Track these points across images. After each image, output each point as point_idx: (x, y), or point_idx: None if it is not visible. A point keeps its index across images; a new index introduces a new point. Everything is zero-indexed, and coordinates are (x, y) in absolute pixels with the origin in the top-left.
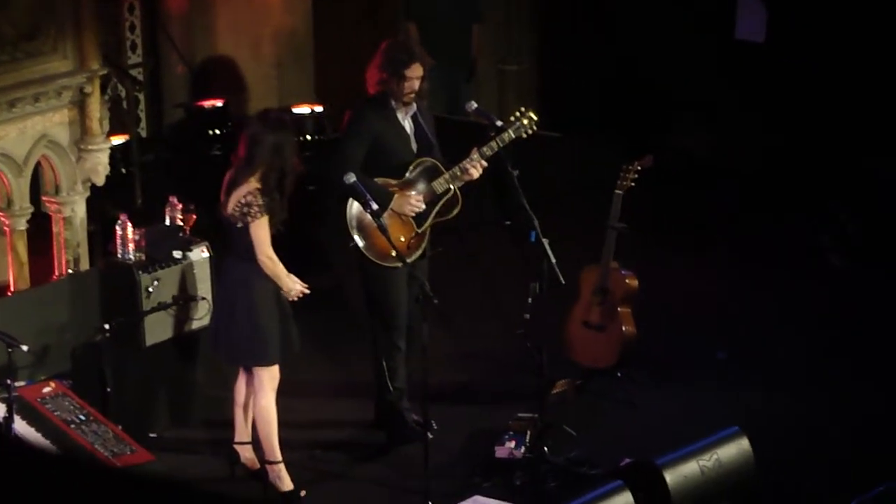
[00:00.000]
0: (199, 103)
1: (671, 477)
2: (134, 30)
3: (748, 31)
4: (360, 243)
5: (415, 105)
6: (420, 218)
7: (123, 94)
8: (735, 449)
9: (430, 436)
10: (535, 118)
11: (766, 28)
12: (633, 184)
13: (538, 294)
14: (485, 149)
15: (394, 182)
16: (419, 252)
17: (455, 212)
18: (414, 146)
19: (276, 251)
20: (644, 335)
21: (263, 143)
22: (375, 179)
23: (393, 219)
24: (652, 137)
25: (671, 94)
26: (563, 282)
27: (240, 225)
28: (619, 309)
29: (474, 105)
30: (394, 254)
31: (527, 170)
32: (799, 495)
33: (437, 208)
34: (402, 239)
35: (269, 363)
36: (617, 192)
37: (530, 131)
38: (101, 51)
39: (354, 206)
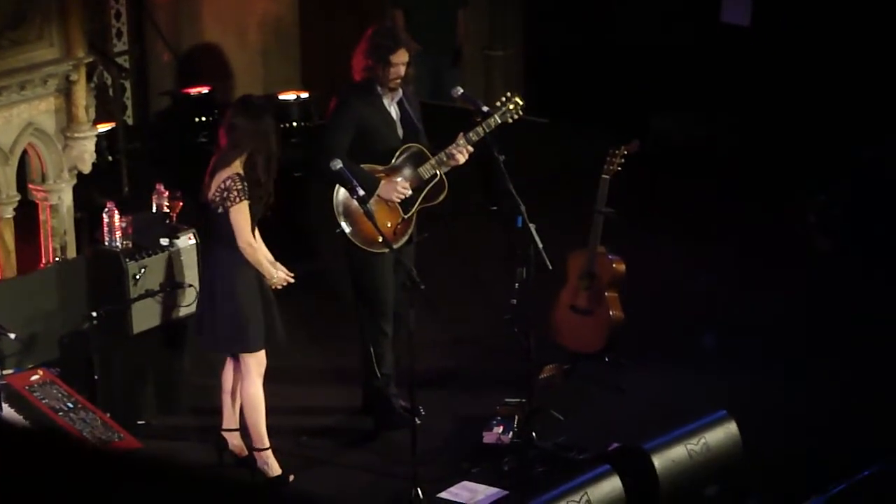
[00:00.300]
0: (186, 91)
1: (659, 461)
2: (120, 17)
3: (734, 14)
4: (347, 229)
5: (401, 91)
6: (406, 204)
7: (109, 81)
8: (723, 433)
9: (417, 421)
10: (521, 103)
11: (752, 12)
12: (619, 168)
13: (525, 279)
14: (471, 134)
15: (380, 168)
16: (406, 238)
17: (441, 197)
18: (400, 132)
19: (264, 238)
20: (631, 320)
21: (244, 129)
22: (362, 166)
23: (379, 205)
24: (638, 122)
25: (657, 78)
26: (550, 267)
27: (220, 210)
28: (606, 294)
29: (460, 90)
30: (380, 240)
31: (513, 155)
32: (787, 478)
33: (423, 194)
34: (389, 225)
35: (252, 349)
36: (604, 176)
37: (516, 116)
38: (86, 38)
39: (341, 193)
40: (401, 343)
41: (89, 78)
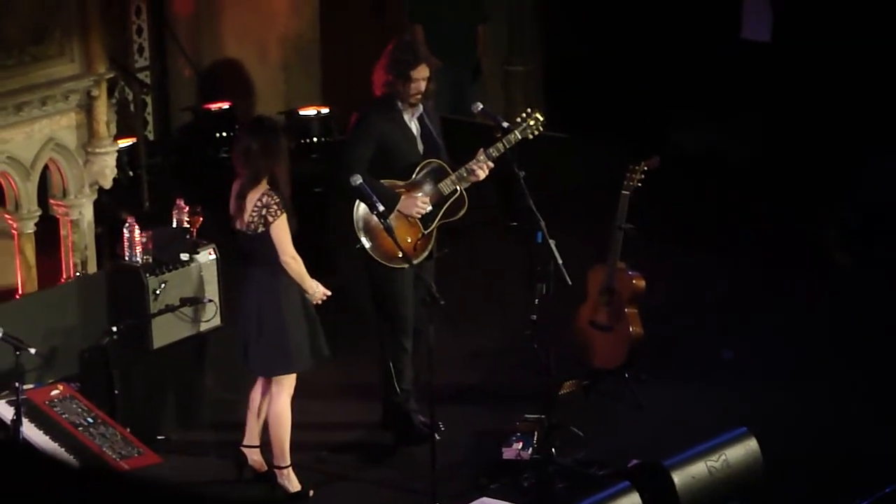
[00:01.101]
0: (206, 106)
1: (679, 478)
2: (141, 33)
3: (754, 30)
4: (367, 244)
5: (421, 106)
6: (426, 219)
7: (131, 97)
8: (743, 449)
9: (437, 437)
10: (541, 119)
11: (772, 27)
12: (639, 184)
13: (545, 295)
14: (491, 150)
15: (400, 183)
16: (426, 253)
17: (461, 213)
18: (420, 147)
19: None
20: (651, 335)
21: (263, 153)
22: (382, 181)
23: (399, 220)
24: (658, 138)
25: (677, 94)
26: (570, 283)
27: (260, 229)
28: (626, 309)
29: (480, 106)
30: (400, 255)
31: (533, 171)
32: (807, 495)
33: (443, 209)
34: (409, 240)
35: (301, 369)
36: (623, 192)
37: (537, 132)
38: (108, 54)
39: (361, 208)
40: (420, 358)
41: (110, 93)
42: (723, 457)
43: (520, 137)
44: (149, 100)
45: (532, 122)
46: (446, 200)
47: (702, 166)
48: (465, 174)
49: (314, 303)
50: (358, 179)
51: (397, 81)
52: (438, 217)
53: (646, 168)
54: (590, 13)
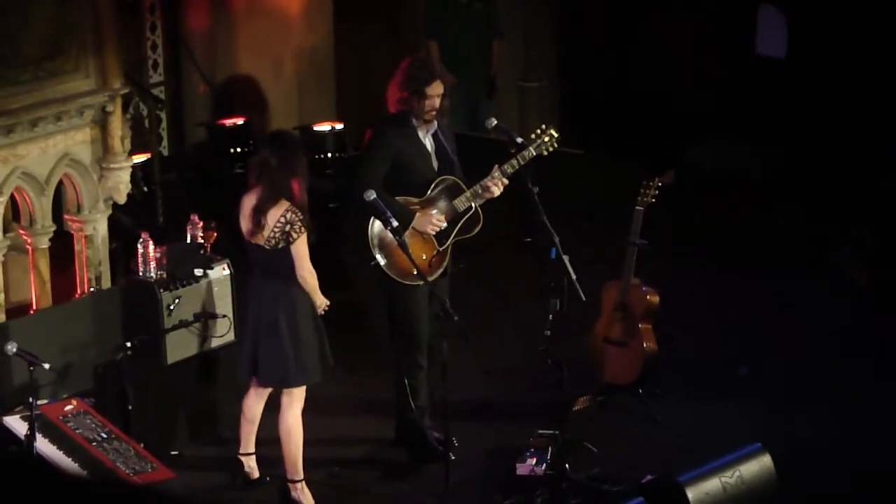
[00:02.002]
0: (221, 122)
1: (693, 494)
2: (156, 49)
3: (769, 46)
4: (382, 261)
5: (435, 123)
6: (441, 236)
7: (145, 112)
8: (757, 466)
9: (452, 456)
10: (556, 135)
11: (787, 44)
12: (653, 200)
13: (558, 311)
14: (506, 166)
15: (415, 200)
16: (441, 270)
17: (476, 230)
18: (435, 164)
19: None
20: (665, 351)
21: (282, 168)
22: (397, 198)
23: (414, 237)
24: (672, 153)
25: (692, 109)
26: (584, 298)
27: (282, 245)
28: (640, 325)
29: (494, 122)
30: (415, 272)
31: (547, 186)
32: None
33: (458, 226)
34: (424, 257)
35: (314, 380)
36: (637, 208)
37: (551, 149)
38: (122, 70)
39: (376, 225)
40: (435, 374)
41: (125, 109)
42: (737, 473)
43: (534, 154)
44: (163, 115)
45: (547, 139)
46: (461, 217)
47: (716, 182)
48: (479, 191)
49: (319, 313)
50: (372, 195)
51: (412, 98)
52: (453, 234)
53: (660, 184)
54: (605, 30)
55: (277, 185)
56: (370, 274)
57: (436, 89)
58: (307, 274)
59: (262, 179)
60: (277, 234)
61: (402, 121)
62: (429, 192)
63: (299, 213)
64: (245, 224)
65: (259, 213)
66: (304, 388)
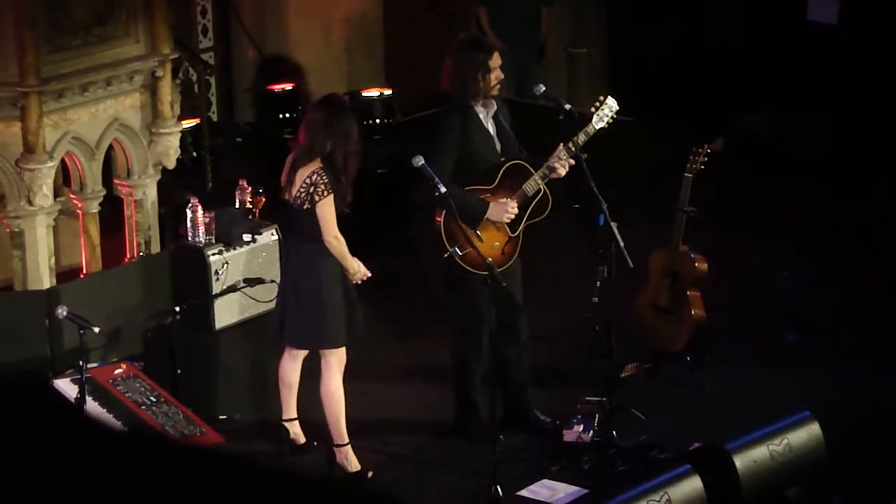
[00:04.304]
0: (270, 87)
1: (741, 461)
2: (205, 14)
3: (820, 12)
4: (459, 253)
5: (495, 104)
6: (513, 222)
7: (195, 78)
8: (805, 434)
9: (501, 438)
10: (615, 107)
11: (839, 10)
12: (702, 167)
13: (607, 278)
14: (570, 144)
15: (484, 188)
16: (515, 257)
17: (547, 212)
18: (498, 146)
19: (343, 233)
20: (714, 318)
21: (324, 126)
22: (466, 188)
23: (486, 225)
24: (722, 120)
25: (742, 76)
26: (632, 265)
27: (306, 206)
28: (688, 292)
29: (542, 88)
30: (490, 260)
31: (596, 153)
32: (870, 480)
33: (529, 211)
34: (497, 244)
35: (336, 345)
36: (686, 175)
37: (611, 120)
38: (172, 35)
39: (445, 218)
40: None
41: (174, 74)
42: (785, 441)
43: (597, 128)
44: (213, 81)
45: (606, 110)
46: (531, 201)
47: (767, 150)
48: (547, 172)
49: (354, 282)
50: (420, 161)
51: (477, 77)
52: (525, 219)
53: (709, 151)
54: None
55: (312, 144)
56: (423, 237)
57: (496, 61)
58: (332, 238)
59: (308, 137)
60: (303, 194)
61: (465, 108)
62: (497, 179)
63: (325, 176)
64: (283, 178)
65: (292, 168)
66: (339, 352)
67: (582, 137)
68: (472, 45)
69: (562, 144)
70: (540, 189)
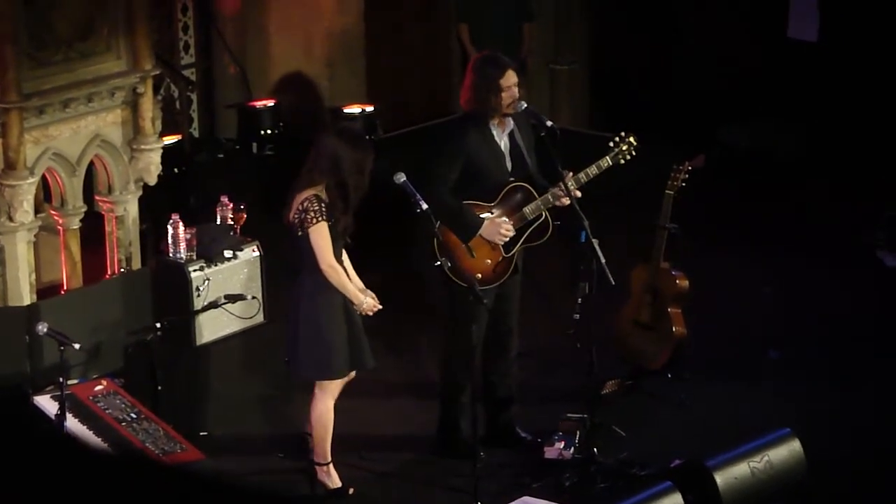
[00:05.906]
0: (252, 103)
1: (721, 478)
2: (187, 30)
3: (801, 30)
4: (448, 265)
5: (512, 122)
6: (509, 242)
7: (176, 94)
8: (786, 450)
9: (482, 454)
10: (634, 143)
11: (819, 27)
12: (683, 184)
13: (588, 294)
14: (581, 175)
15: (485, 205)
16: (506, 276)
17: (545, 238)
18: (509, 165)
19: (354, 264)
20: (695, 335)
21: (330, 157)
22: (466, 202)
23: (481, 242)
24: (704, 136)
25: (723, 93)
26: (613, 282)
27: (299, 232)
28: (669, 309)
29: (524, 105)
30: (479, 276)
31: (577, 170)
32: (851, 497)
33: (526, 234)
34: (489, 261)
35: (333, 377)
36: (668, 192)
37: (629, 157)
38: (154, 51)
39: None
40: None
41: (156, 90)
42: (766, 457)
43: (610, 164)
44: (194, 97)
45: (625, 147)
46: (530, 225)
47: (748, 166)
48: (550, 199)
49: (363, 314)
50: (401, 177)
51: (489, 96)
52: (521, 241)
53: (690, 168)
54: (635, 13)
55: (311, 170)
56: (426, 250)
57: (510, 79)
58: (327, 268)
59: (311, 163)
60: (296, 220)
61: (479, 120)
62: (499, 197)
63: (315, 203)
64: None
65: (291, 192)
66: (332, 382)
67: (594, 170)
68: (487, 63)
69: (570, 174)
70: (541, 214)
